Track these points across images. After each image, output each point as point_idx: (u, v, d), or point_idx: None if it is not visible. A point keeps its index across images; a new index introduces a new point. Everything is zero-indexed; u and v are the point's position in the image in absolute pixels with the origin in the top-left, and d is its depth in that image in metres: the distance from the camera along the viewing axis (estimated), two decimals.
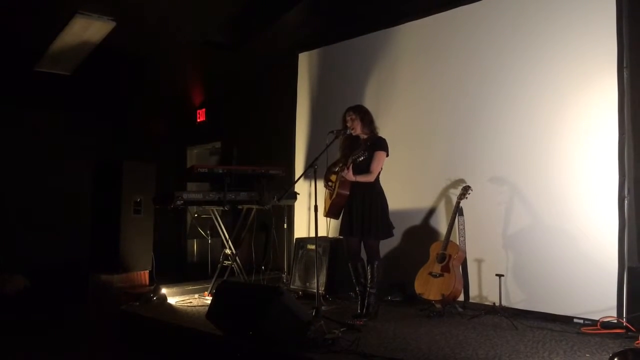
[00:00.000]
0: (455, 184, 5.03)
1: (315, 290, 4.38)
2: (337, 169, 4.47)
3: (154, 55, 7.02)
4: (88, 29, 6.10)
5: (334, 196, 4.38)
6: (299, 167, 6.56)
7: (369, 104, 5.08)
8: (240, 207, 5.57)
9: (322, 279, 5.24)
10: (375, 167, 4.30)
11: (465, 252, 4.74)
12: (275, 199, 5.28)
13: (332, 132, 4.40)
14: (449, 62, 5.24)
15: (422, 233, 5.23)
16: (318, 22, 6.46)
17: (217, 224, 5.58)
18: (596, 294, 4.13)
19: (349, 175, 4.23)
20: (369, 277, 4.35)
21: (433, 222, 5.22)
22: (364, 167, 4.29)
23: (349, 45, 6.19)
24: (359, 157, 4.18)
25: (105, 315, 5.28)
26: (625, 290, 4.01)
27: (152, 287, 5.44)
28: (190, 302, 5.29)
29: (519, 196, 4.66)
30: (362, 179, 4.27)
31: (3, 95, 7.28)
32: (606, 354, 3.37)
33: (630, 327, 3.84)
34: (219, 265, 5.61)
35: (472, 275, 4.84)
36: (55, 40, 6.26)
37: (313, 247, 5.15)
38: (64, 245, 7.35)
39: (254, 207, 5.50)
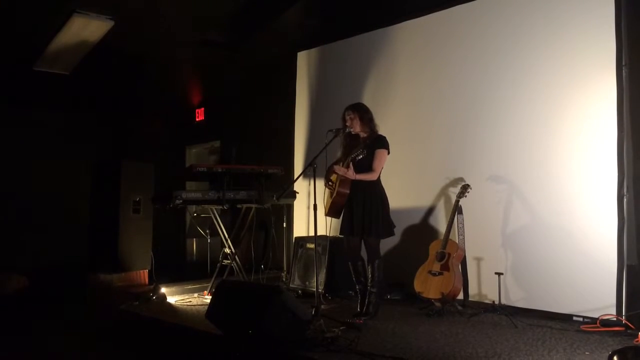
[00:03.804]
0: (454, 182, 5.03)
1: (314, 289, 4.38)
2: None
3: (152, 55, 7.01)
4: (86, 28, 6.09)
5: (334, 195, 4.37)
6: (298, 166, 6.56)
7: (368, 102, 5.07)
8: (239, 206, 5.57)
9: (322, 277, 5.23)
10: (377, 165, 4.29)
11: (464, 251, 4.74)
12: (274, 198, 5.27)
13: (331, 130, 4.40)
14: (447, 61, 5.24)
15: (422, 232, 5.24)
16: (317, 21, 6.46)
17: (216, 223, 5.58)
18: (595, 292, 4.14)
19: (350, 174, 4.23)
20: (370, 276, 4.34)
21: (432, 220, 5.22)
22: (365, 166, 4.28)
23: (348, 43, 6.19)
24: (358, 155, 4.19)
25: (104, 315, 5.28)
26: (625, 288, 4.01)
27: (152, 287, 5.44)
28: (190, 302, 5.29)
29: (518, 195, 4.66)
30: (363, 177, 4.26)
31: (1, 95, 7.28)
32: (605, 351, 3.37)
33: (629, 324, 3.85)
34: (218, 265, 5.61)
35: (472, 273, 4.84)
36: (54, 39, 6.25)
37: (312, 246, 5.15)
38: (63, 245, 7.35)
39: (253, 206, 5.49)
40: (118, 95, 8.08)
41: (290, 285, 5.56)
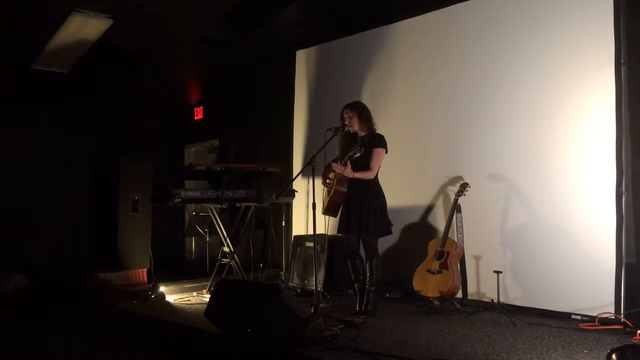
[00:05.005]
0: (453, 181, 5.04)
1: (313, 288, 4.38)
2: None
3: (151, 53, 7.00)
4: (85, 27, 6.07)
5: (331, 194, 4.37)
6: (297, 164, 6.56)
7: (366, 100, 5.07)
8: (238, 204, 5.56)
9: (321, 276, 5.24)
10: (375, 164, 4.30)
11: (463, 249, 4.75)
12: (273, 197, 5.27)
13: (330, 129, 4.39)
14: (446, 59, 5.24)
15: (420, 230, 5.24)
16: (316, 20, 6.45)
17: (215, 221, 5.58)
18: (594, 290, 4.14)
19: (347, 172, 4.23)
20: (368, 274, 4.35)
21: (431, 219, 5.23)
22: (362, 164, 4.28)
23: (347, 42, 6.19)
24: (355, 153, 4.18)
25: (103, 314, 5.28)
26: (623, 287, 4.02)
27: (151, 285, 5.44)
28: (189, 300, 5.29)
29: (516, 193, 4.66)
30: (361, 175, 4.27)
31: (0, 94, 7.28)
32: (604, 350, 3.38)
33: (628, 323, 3.85)
34: (217, 263, 5.62)
35: (470, 272, 4.84)
36: (52, 38, 6.24)
37: (311, 244, 5.16)
38: (62, 244, 7.35)
39: (252, 204, 5.49)
40: (117, 93, 8.06)
41: (289, 284, 5.56)
